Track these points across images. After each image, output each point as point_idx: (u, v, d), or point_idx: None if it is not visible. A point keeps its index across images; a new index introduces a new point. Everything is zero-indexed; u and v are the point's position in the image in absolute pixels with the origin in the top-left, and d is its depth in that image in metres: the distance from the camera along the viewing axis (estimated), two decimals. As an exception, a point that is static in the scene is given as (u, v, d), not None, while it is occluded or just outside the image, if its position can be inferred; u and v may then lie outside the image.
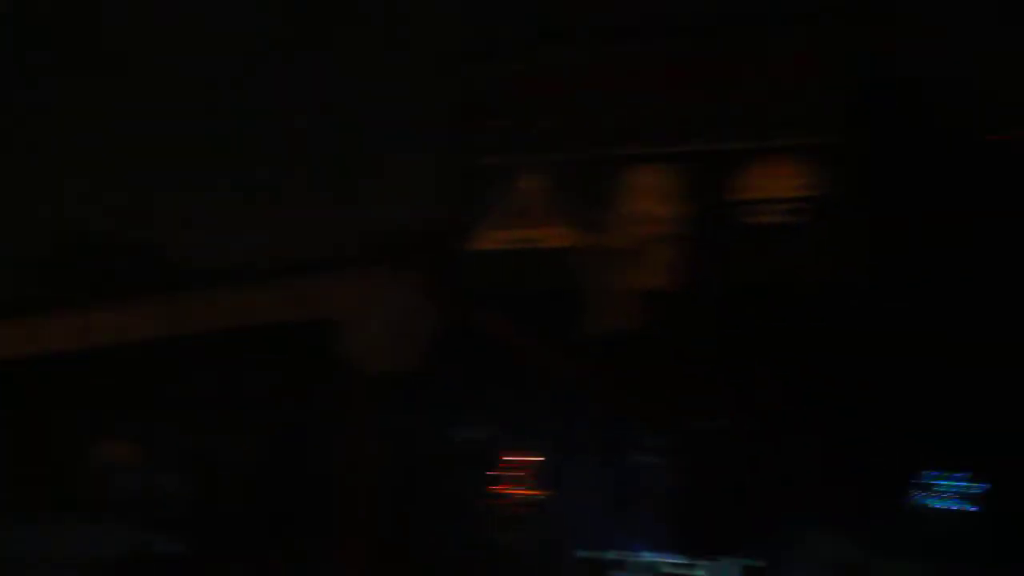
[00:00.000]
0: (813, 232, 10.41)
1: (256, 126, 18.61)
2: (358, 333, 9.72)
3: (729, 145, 10.50)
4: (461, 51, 11.35)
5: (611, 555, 12.91)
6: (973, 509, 13.33)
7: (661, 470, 12.43)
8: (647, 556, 13.54)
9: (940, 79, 12.82)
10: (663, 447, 12.21)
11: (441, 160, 11.26)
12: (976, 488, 13.37)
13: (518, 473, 14.09)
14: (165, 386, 12.49)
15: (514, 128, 11.03)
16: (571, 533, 12.99)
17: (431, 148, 11.49)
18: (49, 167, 20.01)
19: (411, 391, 11.43)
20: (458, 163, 11.26)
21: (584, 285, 10.58)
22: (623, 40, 10.91)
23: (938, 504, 13.89)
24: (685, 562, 12.98)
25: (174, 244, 16.45)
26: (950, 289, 11.55)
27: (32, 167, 20.09)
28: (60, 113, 20.62)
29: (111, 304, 11.10)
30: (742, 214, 10.55)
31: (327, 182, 17.16)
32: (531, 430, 13.46)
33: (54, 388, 12.74)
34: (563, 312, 10.92)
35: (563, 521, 13.07)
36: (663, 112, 10.81)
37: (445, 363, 11.00)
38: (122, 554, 13.50)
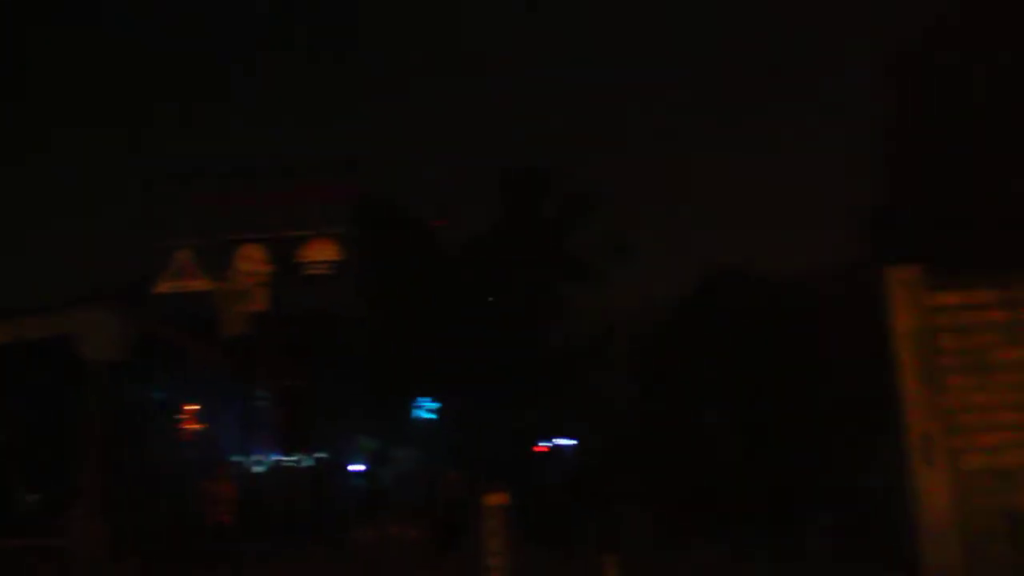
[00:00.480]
0: (340, 279, 18.15)
1: None
2: (91, 341, 15.21)
3: (295, 233, 18.19)
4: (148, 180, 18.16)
5: (246, 457, 21.19)
6: (435, 417, 23.45)
7: (268, 409, 20.72)
8: (266, 456, 22.06)
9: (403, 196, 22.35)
10: (268, 396, 20.65)
11: (138, 242, 18.00)
12: (436, 405, 23.59)
13: (190, 415, 22.00)
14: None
15: (177, 223, 18.07)
16: (223, 446, 21.13)
17: (135, 233, 18.59)
18: None
19: (123, 371, 18.64)
20: (146, 244, 17.80)
21: (219, 309, 17.59)
22: (236, 177, 18.29)
23: (421, 414, 23.93)
24: (287, 457, 21.68)
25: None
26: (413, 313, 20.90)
27: None
28: None
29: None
30: (301, 269, 18.19)
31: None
32: (195, 389, 21.37)
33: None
34: (209, 323, 17.69)
35: (217, 440, 21.21)
36: (259, 215, 18.41)
37: (143, 355, 18.20)
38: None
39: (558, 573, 14.34)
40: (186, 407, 22.31)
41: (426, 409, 24.03)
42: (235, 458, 20.87)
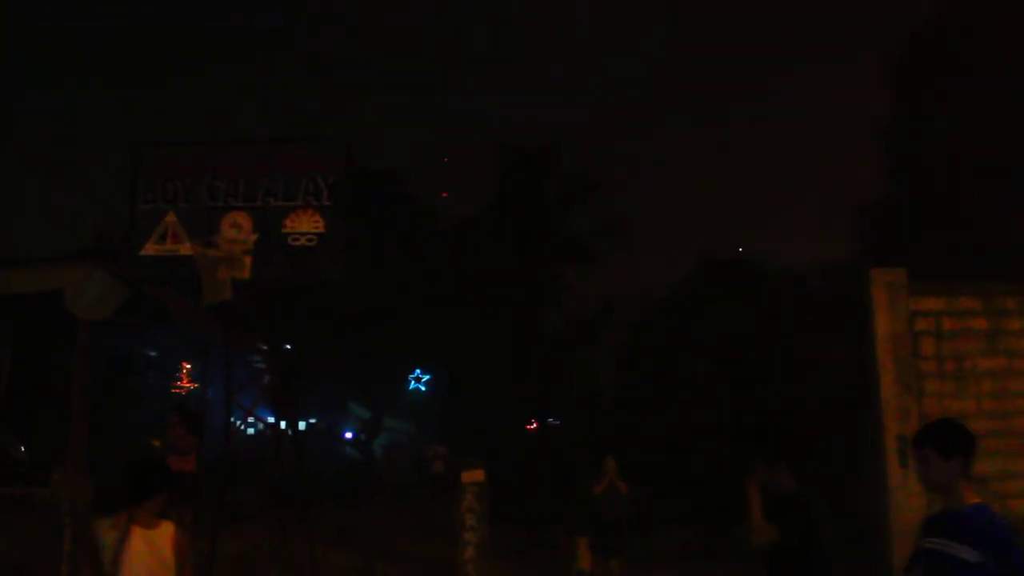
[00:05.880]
0: (321, 250, 17.66)
1: None
2: (79, 297, 15.41)
3: (276, 203, 17.69)
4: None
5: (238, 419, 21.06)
6: (424, 389, 23.43)
7: (262, 371, 20.65)
8: (260, 418, 22.06)
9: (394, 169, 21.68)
10: (261, 360, 20.56)
11: (125, 205, 17.73)
12: (426, 377, 23.56)
13: (186, 373, 22.02)
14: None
15: (163, 188, 17.70)
16: (214, 406, 21.12)
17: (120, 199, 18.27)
18: None
19: (113, 328, 18.82)
20: (132, 207, 17.55)
21: (203, 275, 17.32)
22: (223, 147, 17.83)
23: (412, 386, 23.89)
24: (279, 420, 21.60)
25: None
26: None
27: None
28: None
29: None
30: (285, 239, 17.69)
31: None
32: (187, 350, 21.49)
33: None
34: (195, 288, 17.51)
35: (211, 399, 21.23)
36: (243, 184, 17.89)
37: (133, 313, 18.30)
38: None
39: (533, 551, 14.34)
40: (184, 364, 22.36)
41: (419, 381, 23.90)
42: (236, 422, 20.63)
